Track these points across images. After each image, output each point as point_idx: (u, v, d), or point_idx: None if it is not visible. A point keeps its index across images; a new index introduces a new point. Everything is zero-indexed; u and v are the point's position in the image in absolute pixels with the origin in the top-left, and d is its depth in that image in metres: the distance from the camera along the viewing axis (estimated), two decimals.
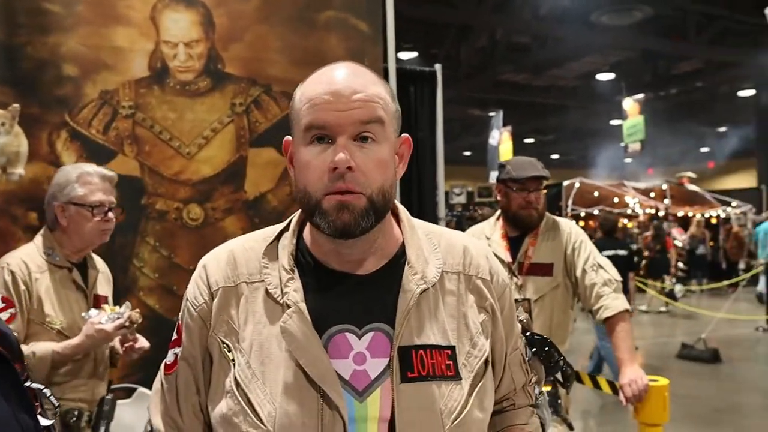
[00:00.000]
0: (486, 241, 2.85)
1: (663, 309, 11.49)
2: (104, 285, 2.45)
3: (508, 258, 2.82)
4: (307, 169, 1.04)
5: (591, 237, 3.28)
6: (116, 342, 2.36)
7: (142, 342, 2.37)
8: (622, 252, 6.84)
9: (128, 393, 3.04)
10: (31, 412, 0.97)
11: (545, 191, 2.87)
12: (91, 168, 2.32)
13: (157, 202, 3.26)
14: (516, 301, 2.61)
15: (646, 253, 12.09)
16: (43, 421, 1.00)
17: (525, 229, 2.85)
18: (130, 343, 2.32)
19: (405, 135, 1.14)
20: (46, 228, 2.30)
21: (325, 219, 1.02)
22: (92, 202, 2.24)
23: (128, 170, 3.22)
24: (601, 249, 3.20)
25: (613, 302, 2.68)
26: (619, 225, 16.96)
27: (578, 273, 2.76)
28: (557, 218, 2.96)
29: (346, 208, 1.02)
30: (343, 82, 1.04)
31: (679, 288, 11.93)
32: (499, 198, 2.93)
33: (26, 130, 3.06)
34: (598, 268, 2.74)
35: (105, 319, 2.15)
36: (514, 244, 2.86)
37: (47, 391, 1.04)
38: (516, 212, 2.81)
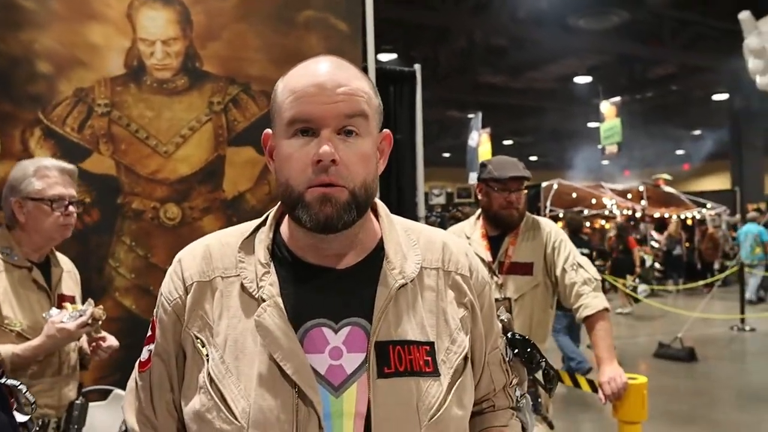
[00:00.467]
0: (466, 240, 2.84)
1: (624, 311, 11.51)
2: (71, 284, 2.35)
3: (488, 257, 2.81)
4: (290, 162, 1.02)
5: None
6: (84, 342, 2.28)
7: (111, 341, 2.27)
8: (585, 251, 6.91)
9: (103, 395, 3.00)
10: (6, 408, 0.98)
11: (526, 191, 2.88)
12: (49, 162, 2.22)
13: (134, 201, 3.21)
14: (496, 300, 2.52)
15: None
16: (19, 417, 1.01)
17: (505, 228, 2.85)
18: (98, 341, 2.22)
19: (386, 131, 1.13)
20: (3, 226, 2.21)
21: (308, 212, 1.01)
22: (51, 196, 2.14)
23: (104, 169, 3.17)
24: None
25: (593, 301, 2.69)
26: (596, 226, 17.14)
27: (558, 272, 2.77)
28: (537, 218, 2.97)
29: (329, 201, 1.00)
30: (327, 75, 1.03)
31: (642, 288, 12.03)
32: (480, 197, 2.93)
33: None
34: (577, 267, 2.76)
35: (67, 317, 2.06)
36: (494, 244, 2.86)
37: (23, 387, 1.02)
38: (497, 212, 2.81)
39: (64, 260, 2.38)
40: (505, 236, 2.86)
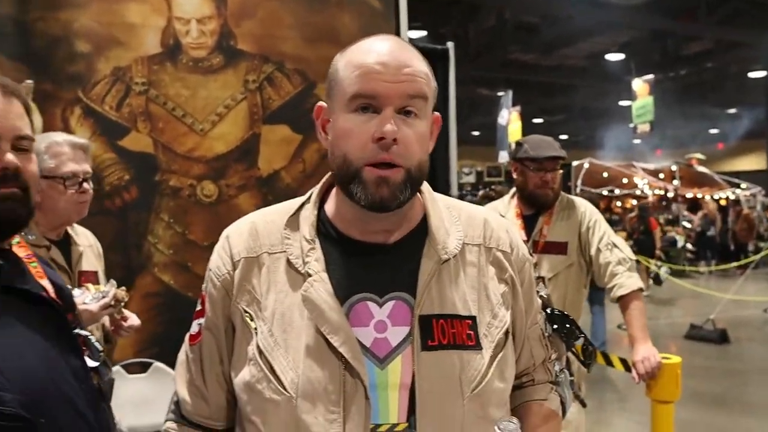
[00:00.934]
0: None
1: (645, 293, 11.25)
2: (92, 259, 2.30)
3: (522, 236, 2.80)
4: (349, 137, 1.03)
5: None
6: (106, 320, 2.24)
7: (133, 320, 2.24)
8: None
9: (143, 367, 3.08)
10: (79, 354, 1.08)
11: (561, 171, 2.87)
12: (60, 137, 2.16)
13: (171, 178, 3.26)
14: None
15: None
16: (90, 362, 1.10)
17: (540, 207, 2.85)
18: (119, 321, 2.20)
19: (436, 113, 1.14)
20: None
21: (364, 190, 1.03)
22: (64, 173, 2.07)
23: (142, 147, 3.22)
24: None
25: (627, 281, 2.69)
26: (628, 206, 16.93)
27: (593, 252, 2.77)
28: (572, 197, 2.96)
29: (386, 183, 1.02)
30: (392, 53, 1.04)
31: (664, 270, 11.85)
32: (515, 176, 2.93)
33: (40, 107, 3.05)
34: (612, 247, 2.75)
35: (89, 298, 2.03)
36: (528, 223, 2.86)
37: (92, 338, 1.14)
38: (532, 191, 2.81)
39: (85, 234, 2.34)
40: (539, 215, 2.86)
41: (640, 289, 2.72)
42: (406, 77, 1.03)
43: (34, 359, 0.99)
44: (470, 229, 1.15)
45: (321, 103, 1.13)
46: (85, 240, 2.32)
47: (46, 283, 1.13)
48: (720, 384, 6.21)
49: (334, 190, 1.14)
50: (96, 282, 2.25)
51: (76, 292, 2.05)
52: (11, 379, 0.94)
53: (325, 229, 1.12)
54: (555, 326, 1.31)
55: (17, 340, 0.99)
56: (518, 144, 2.95)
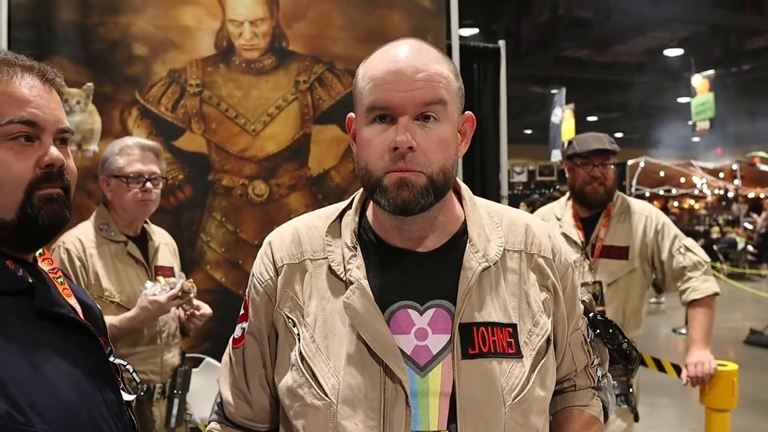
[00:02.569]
0: (556, 222, 2.79)
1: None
2: (168, 256, 2.44)
3: (580, 238, 2.74)
4: (369, 148, 1.04)
5: None
6: (180, 311, 2.37)
7: (205, 309, 2.35)
8: None
9: (196, 363, 3.15)
10: (115, 387, 1.01)
11: (613, 167, 2.76)
12: (131, 140, 2.29)
13: (224, 178, 3.33)
14: (586, 283, 2.46)
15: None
16: (126, 396, 1.03)
17: (592, 206, 2.75)
18: (192, 311, 2.31)
19: (468, 113, 1.13)
20: (101, 204, 2.31)
21: (385, 196, 1.03)
22: (128, 172, 2.20)
23: (196, 147, 3.30)
24: None
25: (703, 285, 2.61)
26: (685, 206, 16.47)
27: (664, 257, 2.66)
28: (632, 200, 2.86)
29: (406, 185, 1.02)
30: (405, 61, 1.04)
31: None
32: (567, 175, 2.86)
33: (99, 108, 3.16)
34: (686, 251, 2.65)
35: (159, 290, 2.14)
36: (586, 225, 2.77)
37: (130, 367, 1.07)
38: (581, 188, 2.73)
39: (161, 233, 2.48)
40: (597, 217, 2.76)
41: (715, 294, 2.62)
42: (420, 84, 1.02)
43: (71, 393, 0.91)
44: (511, 235, 1.14)
45: (351, 115, 1.14)
46: (161, 238, 2.45)
47: (73, 302, 1.03)
48: None
49: None
50: (172, 276, 2.36)
51: (148, 284, 2.18)
52: (46, 415, 0.87)
53: (366, 235, 1.13)
54: (597, 331, 1.29)
55: (50, 372, 0.90)
56: (569, 142, 2.92)
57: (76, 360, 0.95)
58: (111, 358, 1.02)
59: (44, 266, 1.05)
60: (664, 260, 2.65)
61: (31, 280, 0.95)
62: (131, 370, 1.07)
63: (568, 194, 2.90)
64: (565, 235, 2.73)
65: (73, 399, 0.91)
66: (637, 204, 2.81)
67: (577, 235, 2.74)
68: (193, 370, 3.10)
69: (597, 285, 2.64)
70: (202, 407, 2.62)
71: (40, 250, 1.06)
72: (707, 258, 2.70)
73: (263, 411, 1.18)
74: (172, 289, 2.16)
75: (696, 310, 2.60)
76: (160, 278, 2.27)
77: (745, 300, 10.82)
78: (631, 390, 2.43)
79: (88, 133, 3.13)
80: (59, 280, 1.05)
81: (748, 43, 15.84)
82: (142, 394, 2.17)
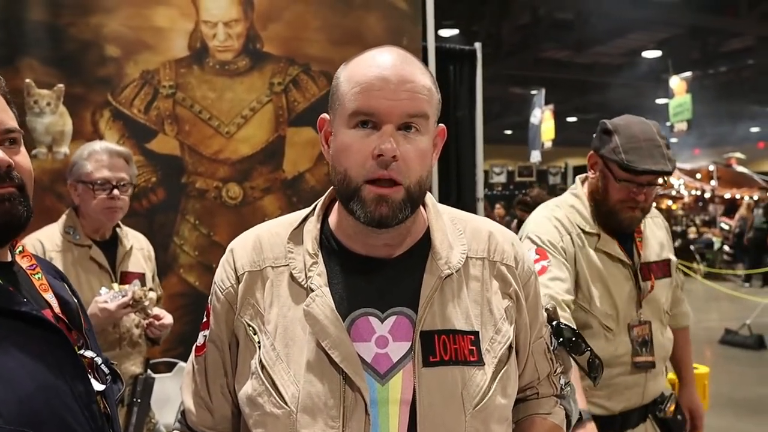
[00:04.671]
0: (579, 233, 2.01)
1: None
2: (140, 261, 2.39)
3: (626, 257, 2.03)
4: (349, 153, 1.03)
5: None
6: (142, 321, 2.30)
7: (165, 319, 2.29)
8: None
9: (169, 367, 3.12)
10: (86, 379, 1.02)
11: (659, 187, 2.03)
12: (100, 145, 2.24)
13: (197, 180, 3.30)
14: (641, 322, 1.99)
15: None
16: (96, 386, 1.04)
17: (619, 231, 2.02)
18: (151, 320, 2.24)
19: (441, 126, 1.13)
20: (71, 207, 2.28)
21: (363, 208, 1.02)
22: (95, 179, 2.16)
23: (169, 149, 3.27)
24: None
25: (688, 309, 2.32)
26: (663, 207, 16.62)
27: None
28: None
29: (385, 201, 1.02)
30: (392, 68, 1.03)
31: None
32: (591, 174, 2.07)
33: (70, 110, 3.12)
34: (677, 265, 2.24)
35: (110, 297, 2.08)
36: (623, 240, 2.05)
37: (98, 359, 1.08)
38: (613, 208, 1.97)
39: (136, 237, 2.43)
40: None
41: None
42: (406, 94, 1.02)
43: (30, 386, 0.93)
44: (474, 242, 1.14)
45: (324, 115, 1.13)
46: (135, 242, 2.40)
47: (50, 296, 1.06)
48: (755, 391, 6.06)
49: (336, 204, 1.14)
50: (143, 283, 2.31)
51: (102, 290, 2.13)
52: (4, 410, 0.89)
53: (328, 242, 1.12)
54: (561, 339, 1.29)
55: (11, 367, 0.92)
56: (606, 131, 2.00)
57: (41, 355, 0.96)
58: (81, 351, 1.04)
59: (23, 263, 1.08)
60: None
61: None
62: (99, 362, 1.08)
63: (579, 194, 2.10)
64: (606, 253, 2.00)
65: (34, 392, 0.93)
66: None
67: (621, 253, 2.02)
68: (166, 375, 3.09)
69: (647, 327, 2.03)
70: (174, 412, 2.60)
71: (20, 248, 1.09)
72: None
73: (224, 420, 1.17)
74: (124, 296, 2.10)
75: (685, 341, 2.27)
76: (114, 285, 2.22)
77: (720, 300, 10.96)
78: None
79: (58, 135, 3.09)
80: (36, 276, 1.08)
81: (725, 46, 16.06)
82: (119, 385, 2.13)
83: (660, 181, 1.96)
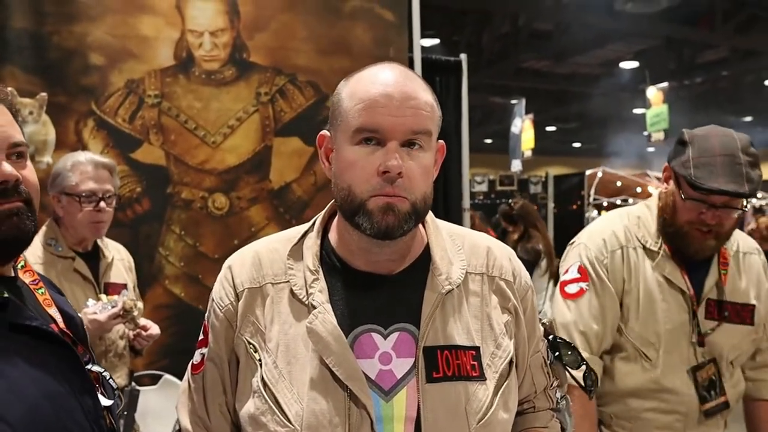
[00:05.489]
0: (639, 247, 1.83)
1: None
2: (122, 272, 2.37)
3: (688, 287, 1.81)
4: (354, 169, 1.03)
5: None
6: (129, 331, 2.30)
7: (152, 330, 2.27)
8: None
9: (154, 380, 3.08)
10: (93, 393, 1.02)
11: (740, 212, 1.75)
12: (84, 156, 2.21)
13: (183, 191, 3.27)
14: (701, 366, 1.78)
15: None
16: (104, 401, 1.05)
17: (687, 255, 1.80)
18: (138, 330, 2.23)
19: (441, 142, 1.13)
20: (52, 218, 2.24)
21: (369, 220, 1.02)
22: (81, 191, 2.13)
23: (154, 159, 3.24)
24: None
25: None
26: None
27: None
28: (739, 232, 1.93)
29: (392, 210, 1.02)
30: (395, 86, 1.03)
31: None
32: (664, 188, 1.84)
33: (53, 119, 3.08)
34: None
35: (99, 308, 2.07)
36: (691, 268, 1.81)
37: (106, 374, 1.08)
38: (681, 228, 1.75)
39: (116, 248, 2.41)
40: (711, 258, 1.83)
41: None
42: (410, 111, 1.02)
43: (39, 400, 0.93)
44: (473, 257, 1.15)
45: (324, 132, 1.12)
46: (116, 253, 2.38)
47: (54, 311, 1.07)
48: None
49: (336, 219, 1.13)
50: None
51: (90, 302, 2.10)
52: (11, 421, 0.89)
53: (329, 259, 1.12)
54: (557, 353, 1.30)
55: (20, 381, 0.93)
56: (681, 142, 1.78)
57: (50, 369, 0.96)
58: (89, 366, 1.05)
59: (26, 278, 1.08)
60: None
61: (6, 295, 0.97)
62: (107, 377, 1.08)
63: (651, 206, 1.89)
64: (664, 276, 1.80)
65: (43, 406, 0.93)
66: (740, 236, 1.93)
67: (682, 282, 1.80)
68: (152, 387, 3.04)
69: (712, 366, 1.81)
70: (159, 425, 2.56)
71: (22, 263, 1.09)
72: None
73: None
74: (113, 307, 2.09)
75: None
76: (102, 296, 2.19)
77: None
78: None
79: (41, 145, 3.04)
80: (40, 291, 1.08)
81: (701, 57, 16.34)
82: (120, 398, 2.11)
83: (739, 203, 1.70)
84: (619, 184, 15.68)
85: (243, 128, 3.37)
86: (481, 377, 1.06)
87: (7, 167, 0.97)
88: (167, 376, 3.05)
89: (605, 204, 15.05)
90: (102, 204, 2.16)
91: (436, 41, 12.95)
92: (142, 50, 3.23)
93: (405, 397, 1.03)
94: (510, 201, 5.47)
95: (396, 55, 3.58)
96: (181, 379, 1.24)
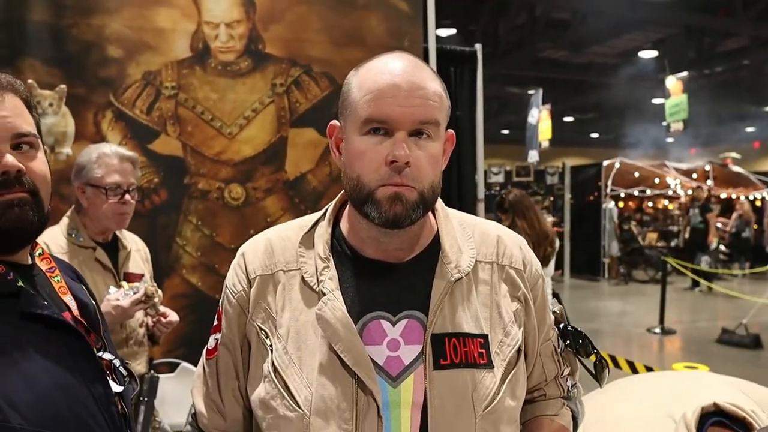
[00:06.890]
0: None
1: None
2: (139, 262, 2.40)
3: None
4: (362, 159, 1.04)
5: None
6: (148, 318, 2.33)
7: (172, 317, 2.31)
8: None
9: (172, 368, 3.13)
10: (104, 381, 1.03)
11: None
12: (110, 148, 2.23)
13: (200, 181, 3.31)
14: None
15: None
16: (115, 387, 1.05)
17: None
18: (158, 317, 2.26)
19: (450, 131, 1.14)
20: (73, 208, 2.27)
21: (378, 209, 1.03)
22: (107, 183, 2.16)
23: (171, 150, 3.27)
24: None
25: None
26: (659, 206, 16.66)
27: None
28: None
29: (400, 199, 1.03)
30: (404, 75, 1.04)
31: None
32: None
33: (73, 111, 3.13)
34: None
35: (122, 295, 2.11)
36: None
37: (116, 362, 1.09)
38: None
39: (133, 239, 2.45)
40: None
41: None
42: (418, 101, 1.03)
43: (52, 389, 0.94)
44: (483, 246, 1.15)
45: (334, 122, 1.14)
46: (133, 244, 2.41)
47: (69, 299, 1.07)
48: None
49: (347, 208, 1.15)
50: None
51: (112, 290, 2.14)
52: (23, 411, 0.89)
53: (339, 246, 1.13)
54: (568, 342, 1.30)
55: (31, 370, 0.93)
56: None
57: (62, 357, 0.96)
58: (100, 353, 1.05)
59: (43, 265, 1.08)
60: None
61: (20, 284, 0.97)
62: (117, 365, 1.09)
63: None
64: None
65: (54, 395, 0.93)
66: None
67: None
68: (169, 375, 3.09)
69: None
70: (177, 413, 2.60)
71: (39, 250, 1.09)
72: None
73: (236, 423, 1.17)
74: (135, 293, 2.12)
75: None
76: (124, 283, 2.23)
77: (717, 299, 11.00)
78: None
79: (60, 136, 3.09)
80: (56, 279, 1.08)
81: (721, 46, 16.11)
82: (133, 385, 2.14)
83: None
84: (637, 174, 15.54)
85: (258, 119, 3.40)
86: (489, 365, 1.07)
87: (9, 158, 0.96)
88: (184, 364, 3.10)
89: (622, 195, 14.95)
90: (127, 196, 2.20)
91: (452, 31, 12.89)
92: (159, 42, 3.26)
93: (412, 383, 1.04)
94: (502, 192, 5.38)
95: (411, 46, 3.57)
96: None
